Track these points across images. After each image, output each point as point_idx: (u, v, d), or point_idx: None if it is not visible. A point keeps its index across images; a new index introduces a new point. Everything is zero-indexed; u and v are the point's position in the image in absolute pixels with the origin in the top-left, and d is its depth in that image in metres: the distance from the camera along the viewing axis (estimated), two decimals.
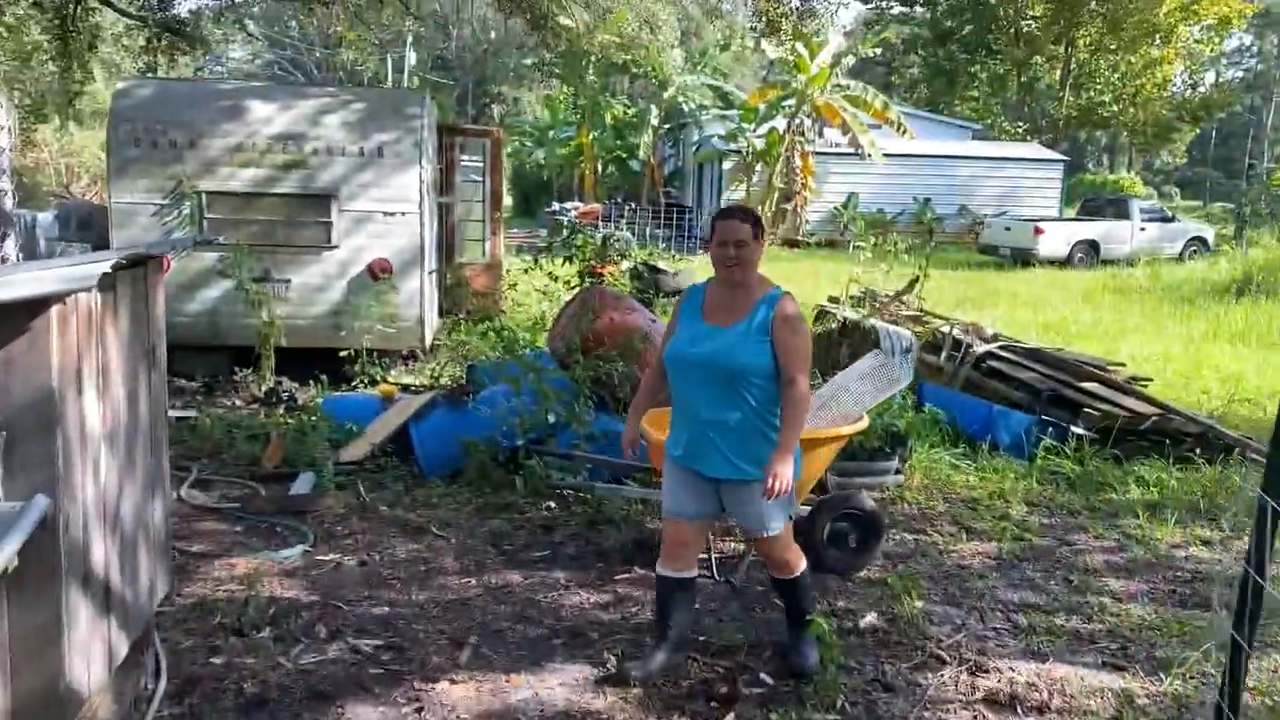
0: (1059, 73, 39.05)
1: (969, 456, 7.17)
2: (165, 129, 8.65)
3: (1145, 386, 8.51)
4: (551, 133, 38.76)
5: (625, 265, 11.78)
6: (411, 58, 34.76)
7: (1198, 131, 44.51)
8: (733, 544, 5.47)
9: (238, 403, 8.47)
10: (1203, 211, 40.83)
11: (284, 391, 8.27)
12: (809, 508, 5.17)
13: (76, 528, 2.83)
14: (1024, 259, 23.30)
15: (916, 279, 9.61)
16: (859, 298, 10.50)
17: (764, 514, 3.73)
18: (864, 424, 5.14)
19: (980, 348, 9.10)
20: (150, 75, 13.57)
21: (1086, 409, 7.52)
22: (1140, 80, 35.55)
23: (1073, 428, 7.26)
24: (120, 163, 8.63)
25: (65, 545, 2.74)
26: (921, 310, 10.64)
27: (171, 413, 6.59)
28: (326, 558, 5.20)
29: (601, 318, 6.29)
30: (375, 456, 6.55)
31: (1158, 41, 36.52)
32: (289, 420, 7.53)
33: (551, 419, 5.90)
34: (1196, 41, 37.64)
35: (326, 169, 8.84)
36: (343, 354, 8.31)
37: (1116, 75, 36.74)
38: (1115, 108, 36.58)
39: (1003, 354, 8.97)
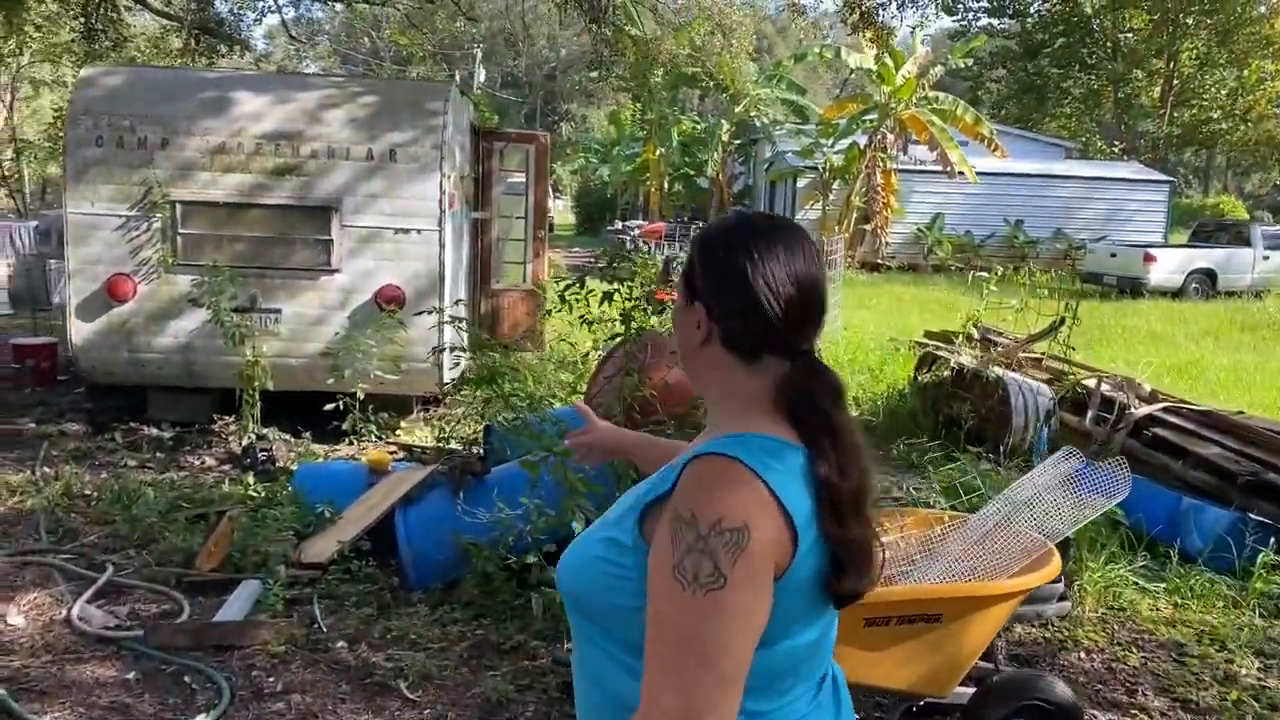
0: (1159, 89, 36.45)
1: (1153, 569, 5.25)
2: (134, 125, 7.12)
3: None
4: (617, 149, 37.23)
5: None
6: (480, 75, 33.33)
7: None
8: None
9: (209, 460, 6.88)
10: None
11: (261, 450, 6.64)
12: (969, 692, 3.35)
13: None
14: (1132, 289, 21.03)
15: (1061, 320, 7.67)
16: (977, 339, 8.60)
17: None
18: (1055, 566, 3.29)
19: (1139, 409, 7.14)
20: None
21: None
22: (1253, 96, 32.80)
23: None
24: (79, 165, 7.12)
25: None
26: (1049, 355, 8.69)
27: None
28: None
29: (652, 377, 4.53)
30: (347, 557, 4.85)
31: (1269, 55, 33.75)
32: (255, 493, 5.88)
33: (579, 528, 4.13)
34: None
35: (327, 176, 7.24)
36: (329, 407, 6.66)
37: (1225, 91, 34.04)
38: (1224, 125, 33.87)
39: (1169, 419, 7.01)
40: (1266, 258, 21.89)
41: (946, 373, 8.16)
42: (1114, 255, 22.22)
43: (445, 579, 4.75)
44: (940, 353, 8.56)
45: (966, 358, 8.11)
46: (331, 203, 7.22)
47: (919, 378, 8.58)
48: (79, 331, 7.19)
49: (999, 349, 8.67)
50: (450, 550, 4.75)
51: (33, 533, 5.34)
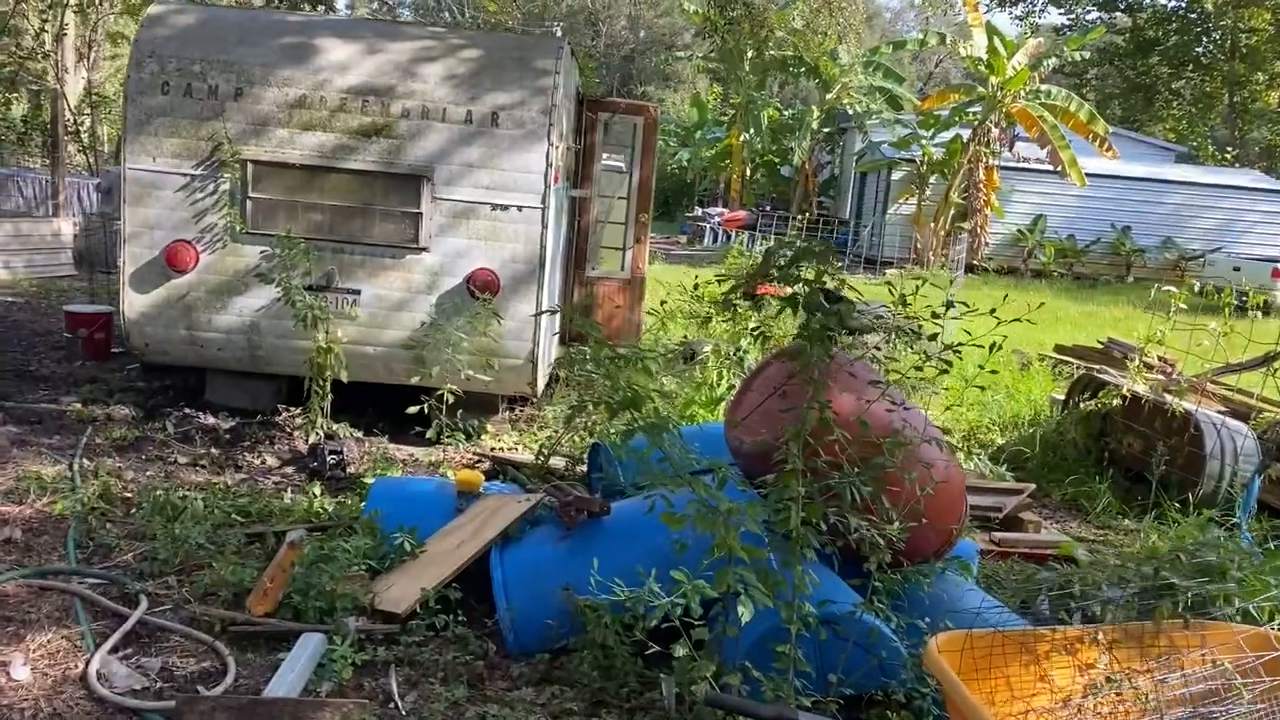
0: (1278, 94, 34.30)
1: None
2: (205, 72, 6.24)
3: None
4: (699, 133, 36.03)
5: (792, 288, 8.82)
6: None
7: None
8: None
9: (270, 460, 6.00)
10: None
11: (331, 452, 5.74)
12: None
13: None
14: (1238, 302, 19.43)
15: None
16: (1150, 365, 7.42)
17: None
18: None
19: None
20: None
21: None
22: None
23: None
24: (141, 115, 6.26)
25: None
26: (1217, 383, 7.48)
27: None
28: None
29: (841, 411, 3.48)
30: (431, 608, 3.91)
31: None
32: (322, 508, 4.97)
33: (746, 614, 3.10)
34: None
35: (419, 140, 6.29)
36: (412, 410, 5.72)
37: None
38: None
39: None
40: None
41: (1116, 401, 7.01)
42: (1237, 269, 20.61)
43: (552, 646, 3.79)
44: (1105, 377, 7.40)
45: (1142, 386, 6.95)
46: (423, 171, 6.28)
47: (1077, 403, 7.42)
48: (132, 304, 6.36)
49: (1172, 376, 7.50)
50: (559, 608, 3.79)
51: (59, 546, 4.48)
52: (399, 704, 3.41)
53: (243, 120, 6.25)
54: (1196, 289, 7.58)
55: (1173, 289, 7.15)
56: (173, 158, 6.25)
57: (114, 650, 3.62)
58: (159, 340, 6.45)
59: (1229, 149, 33.96)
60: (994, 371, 4.72)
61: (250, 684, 3.49)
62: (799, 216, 26.11)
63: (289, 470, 5.84)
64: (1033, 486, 6.07)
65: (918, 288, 3.71)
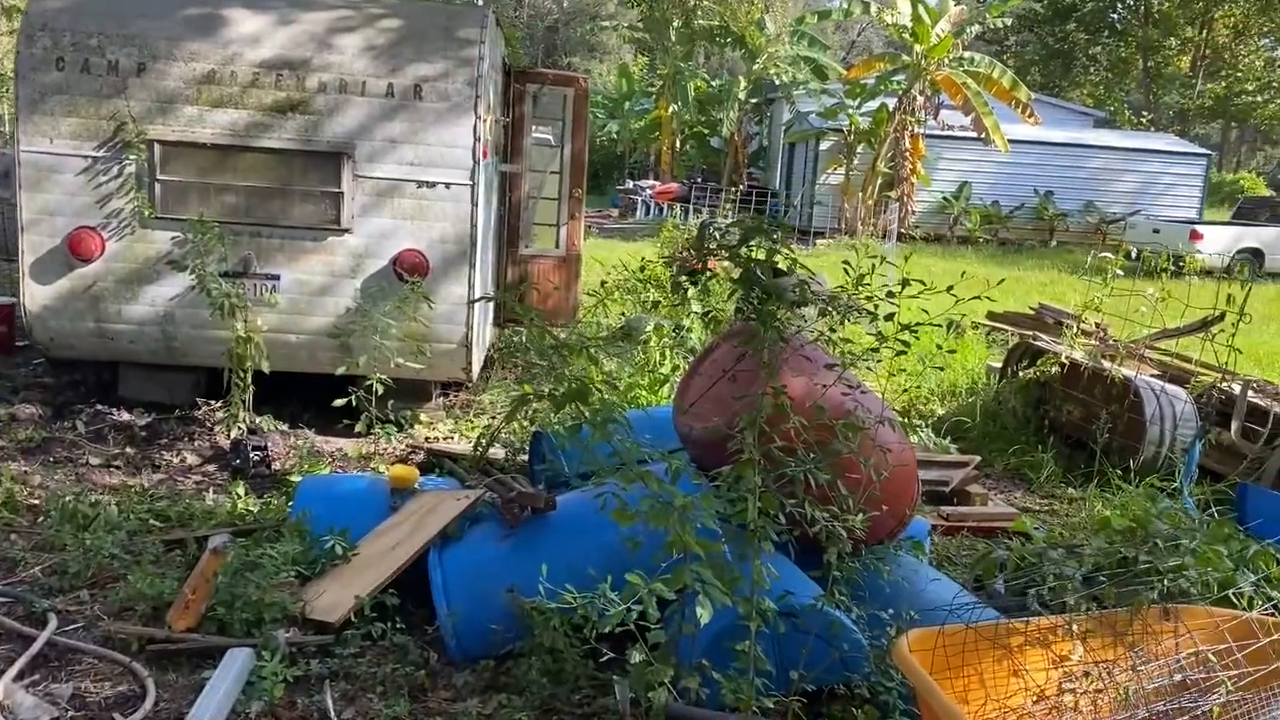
0: (1189, 58, 35.12)
1: None
2: (102, 46, 5.84)
3: None
4: (627, 104, 35.67)
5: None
6: None
7: None
8: None
9: (190, 458, 5.68)
10: None
11: (254, 448, 5.44)
12: None
13: None
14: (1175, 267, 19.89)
15: (1222, 316, 6.46)
16: (1088, 330, 7.42)
17: None
18: None
19: None
20: None
21: None
22: None
23: None
24: (35, 93, 5.83)
25: None
26: (1166, 353, 7.53)
27: None
28: None
29: (795, 395, 3.33)
30: (366, 615, 3.68)
31: None
32: (247, 509, 4.70)
33: (705, 615, 2.94)
34: None
35: (338, 115, 5.97)
36: (339, 402, 5.45)
37: (1261, 61, 32.74)
38: (1260, 98, 32.58)
39: None
40: None
41: (1055, 369, 7.00)
42: (1156, 231, 21.04)
43: (498, 651, 3.59)
44: (1043, 344, 7.39)
45: (1078, 353, 6.94)
46: (343, 148, 5.97)
47: (1016, 371, 7.41)
48: (34, 296, 5.95)
49: (1107, 341, 7.51)
50: (503, 611, 3.60)
51: None
52: None
53: (147, 98, 5.87)
54: (1134, 254, 7.59)
55: (1109, 255, 7.14)
56: (72, 139, 5.84)
57: (19, 677, 3.34)
58: (65, 334, 6.06)
59: (1144, 113, 34.68)
60: (952, 351, 4.61)
61: (172, 708, 3.24)
62: (732, 188, 26.00)
63: (210, 469, 5.53)
64: (978, 459, 6.02)
65: (873, 266, 3.56)
